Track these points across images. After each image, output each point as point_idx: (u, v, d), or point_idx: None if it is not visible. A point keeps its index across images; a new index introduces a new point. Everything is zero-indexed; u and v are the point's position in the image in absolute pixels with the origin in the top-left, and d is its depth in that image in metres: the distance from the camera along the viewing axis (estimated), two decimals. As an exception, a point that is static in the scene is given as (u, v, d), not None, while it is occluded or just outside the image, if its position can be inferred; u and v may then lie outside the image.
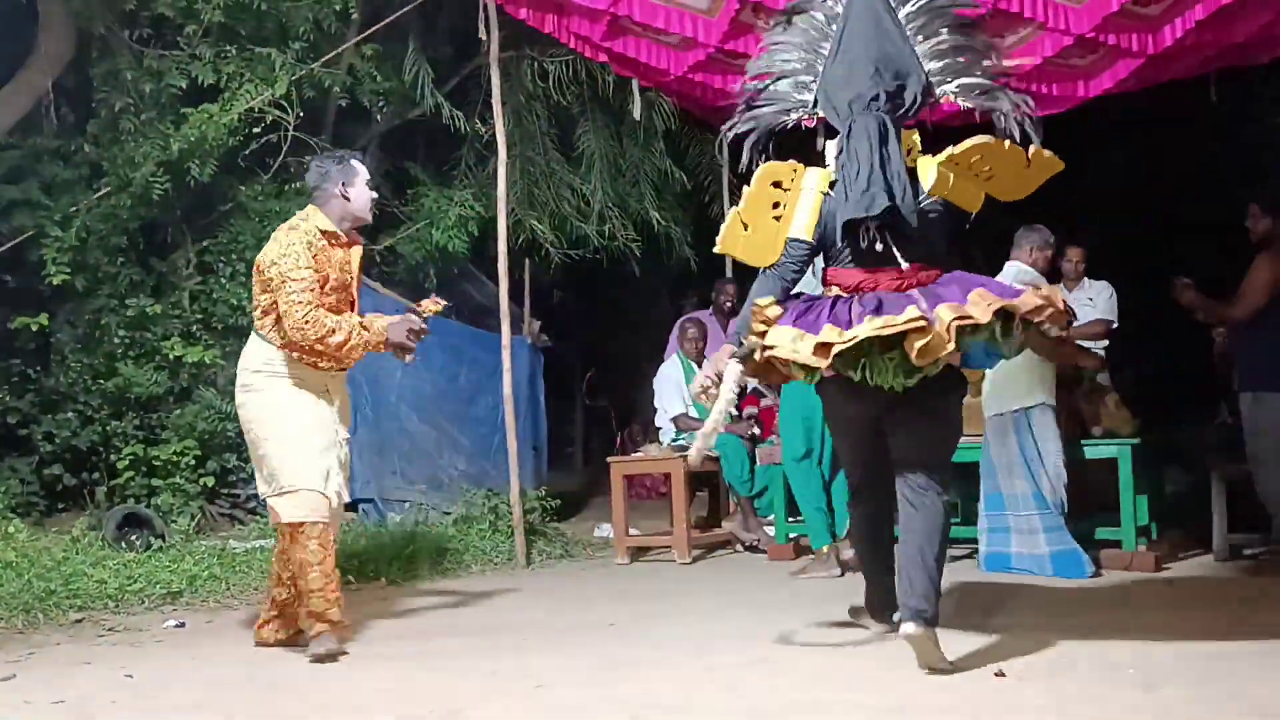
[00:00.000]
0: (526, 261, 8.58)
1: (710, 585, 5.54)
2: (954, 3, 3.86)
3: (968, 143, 3.50)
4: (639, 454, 7.11)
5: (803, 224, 3.65)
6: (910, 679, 3.36)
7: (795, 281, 3.66)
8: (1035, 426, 5.27)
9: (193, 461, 7.41)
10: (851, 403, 3.64)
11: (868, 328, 3.25)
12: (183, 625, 4.84)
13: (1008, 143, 3.56)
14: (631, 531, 6.86)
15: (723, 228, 3.79)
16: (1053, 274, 6.99)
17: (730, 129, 4.04)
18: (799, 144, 4.16)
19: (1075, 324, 4.04)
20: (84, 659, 4.16)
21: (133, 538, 6.64)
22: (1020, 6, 5.85)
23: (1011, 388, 5.29)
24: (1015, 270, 5.37)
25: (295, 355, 4.11)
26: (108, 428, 7.38)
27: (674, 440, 6.97)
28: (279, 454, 4.05)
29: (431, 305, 4.42)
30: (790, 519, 6.54)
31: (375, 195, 4.38)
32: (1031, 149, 3.57)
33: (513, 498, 6.52)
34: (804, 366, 3.37)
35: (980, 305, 3.27)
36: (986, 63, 3.87)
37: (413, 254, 8.42)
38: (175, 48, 7.62)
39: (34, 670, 3.99)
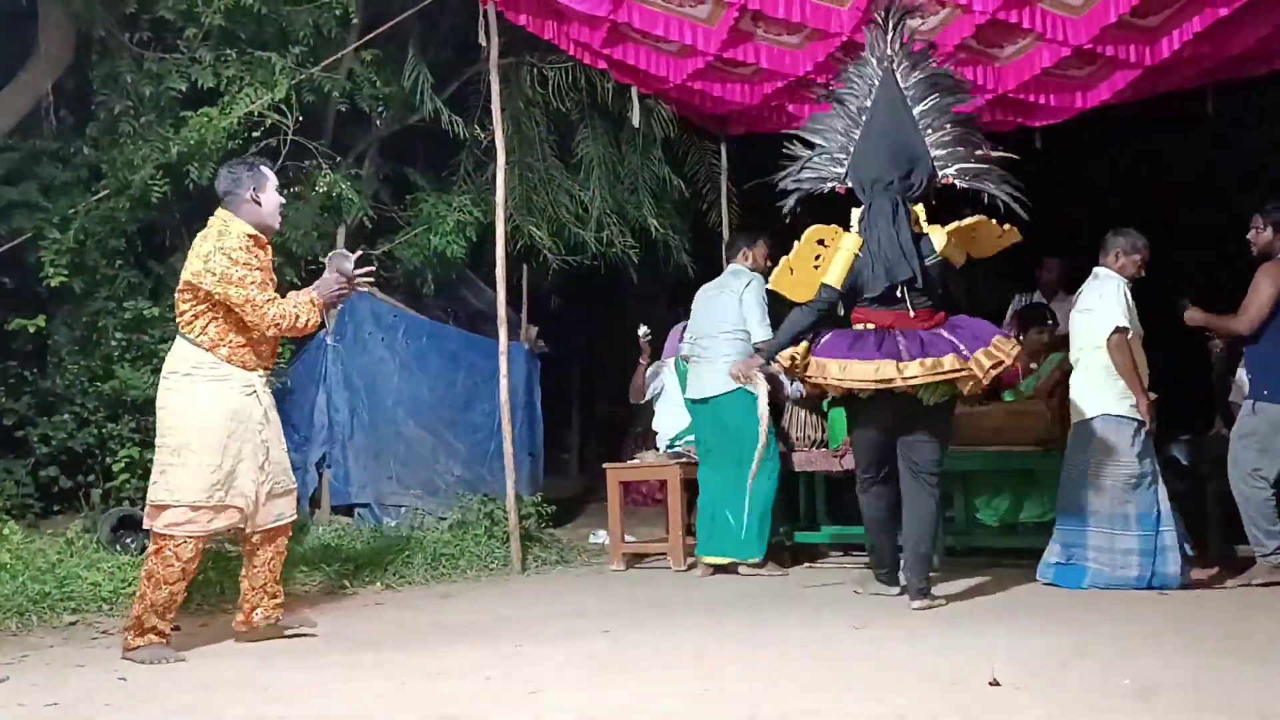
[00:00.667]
0: (524, 267, 8.59)
1: (706, 592, 5.54)
2: (956, 102, 5.01)
3: (968, 220, 4.77)
4: (635, 460, 7.11)
5: (836, 275, 4.84)
6: (907, 688, 3.36)
7: (823, 315, 4.87)
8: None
9: (189, 465, 7.39)
10: (882, 414, 4.79)
11: (930, 370, 4.52)
12: (177, 629, 4.83)
13: (993, 220, 4.78)
14: (627, 538, 6.86)
15: (775, 270, 5.06)
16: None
17: (779, 187, 5.31)
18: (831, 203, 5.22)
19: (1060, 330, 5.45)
20: (77, 661, 4.15)
21: (128, 540, 6.62)
22: (1019, 17, 5.89)
23: (1094, 396, 5.24)
24: (1105, 282, 5.29)
25: (225, 355, 4.20)
26: (104, 430, 7.36)
27: (669, 447, 6.98)
28: (176, 464, 4.15)
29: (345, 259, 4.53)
30: (787, 526, 6.55)
31: (283, 201, 4.49)
32: (1006, 227, 4.77)
33: (508, 503, 6.52)
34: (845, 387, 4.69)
35: (1005, 349, 4.58)
36: (979, 151, 4.95)
37: (411, 259, 8.42)
38: (175, 51, 7.62)
39: (27, 673, 3.98)
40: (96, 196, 7.46)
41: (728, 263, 6.46)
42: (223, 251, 4.16)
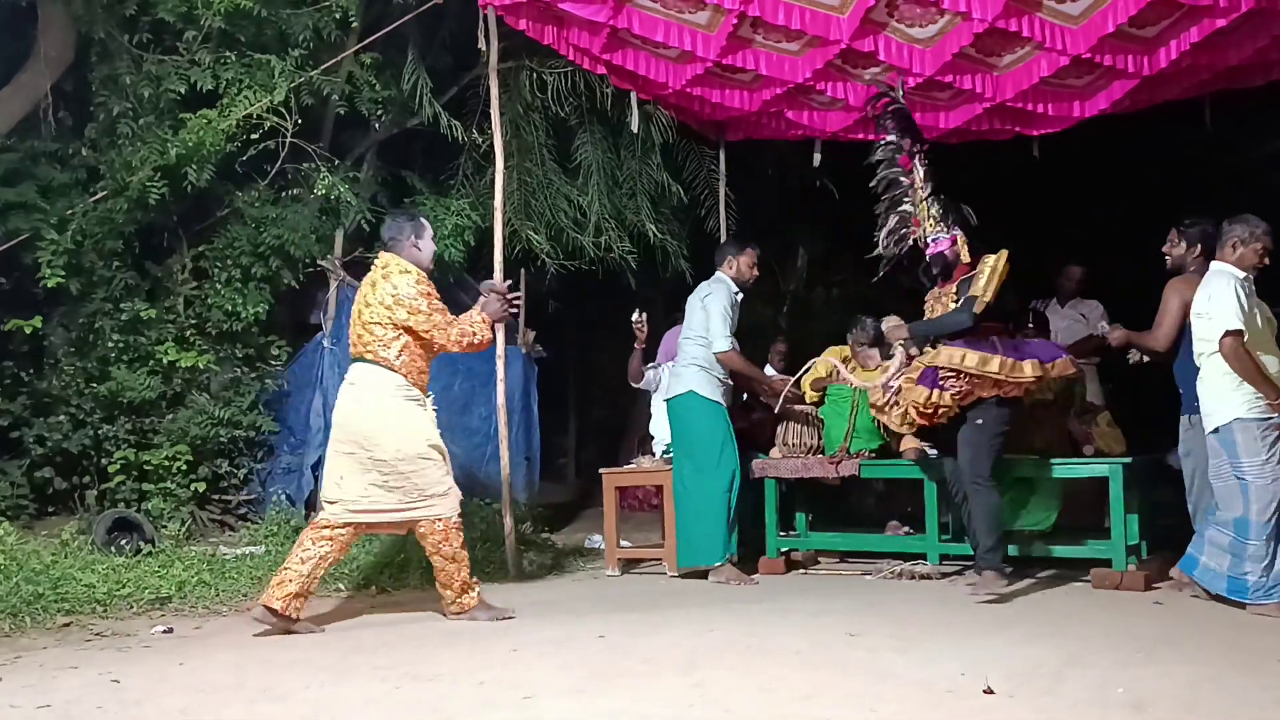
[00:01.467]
0: (522, 272, 8.59)
1: (701, 598, 5.54)
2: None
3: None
4: (631, 465, 7.10)
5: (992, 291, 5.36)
6: (900, 697, 3.36)
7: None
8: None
9: (184, 466, 7.41)
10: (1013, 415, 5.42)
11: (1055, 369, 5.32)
12: (170, 631, 4.83)
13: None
14: (622, 543, 6.86)
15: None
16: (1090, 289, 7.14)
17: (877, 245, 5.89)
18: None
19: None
20: (71, 663, 4.15)
21: (122, 542, 6.63)
22: (1019, 26, 5.90)
23: (1223, 402, 4.94)
24: (1215, 280, 4.99)
25: (412, 380, 4.91)
26: (99, 431, 7.36)
27: (666, 452, 6.97)
28: (427, 469, 4.91)
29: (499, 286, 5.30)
30: (782, 533, 6.54)
31: (434, 249, 5.23)
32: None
33: (504, 507, 6.52)
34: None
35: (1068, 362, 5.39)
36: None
37: (409, 262, 8.41)
38: (175, 53, 7.63)
39: (20, 674, 3.97)
40: (94, 198, 7.46)
41: (716, 269, 6.45)
42: (409, 287, 4.84)
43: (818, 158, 7.91)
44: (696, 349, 6.15)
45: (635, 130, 7.68)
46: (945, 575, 5.95)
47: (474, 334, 4.99)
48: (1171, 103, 6.92)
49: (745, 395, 7.52)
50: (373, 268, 4.99)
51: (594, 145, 8.87)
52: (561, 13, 6.33)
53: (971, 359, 5.18)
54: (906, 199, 5.69)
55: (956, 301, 5.39)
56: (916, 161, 5.64)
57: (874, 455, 6.32)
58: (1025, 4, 5.77)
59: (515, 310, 5.32)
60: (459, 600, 4.97)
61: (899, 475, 6.51)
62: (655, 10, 6.27)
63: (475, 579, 5.05)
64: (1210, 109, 6.97)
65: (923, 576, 5.94)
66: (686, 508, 6.11)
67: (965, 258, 5.42)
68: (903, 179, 5.71)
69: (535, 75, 8.46)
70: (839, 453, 6.31)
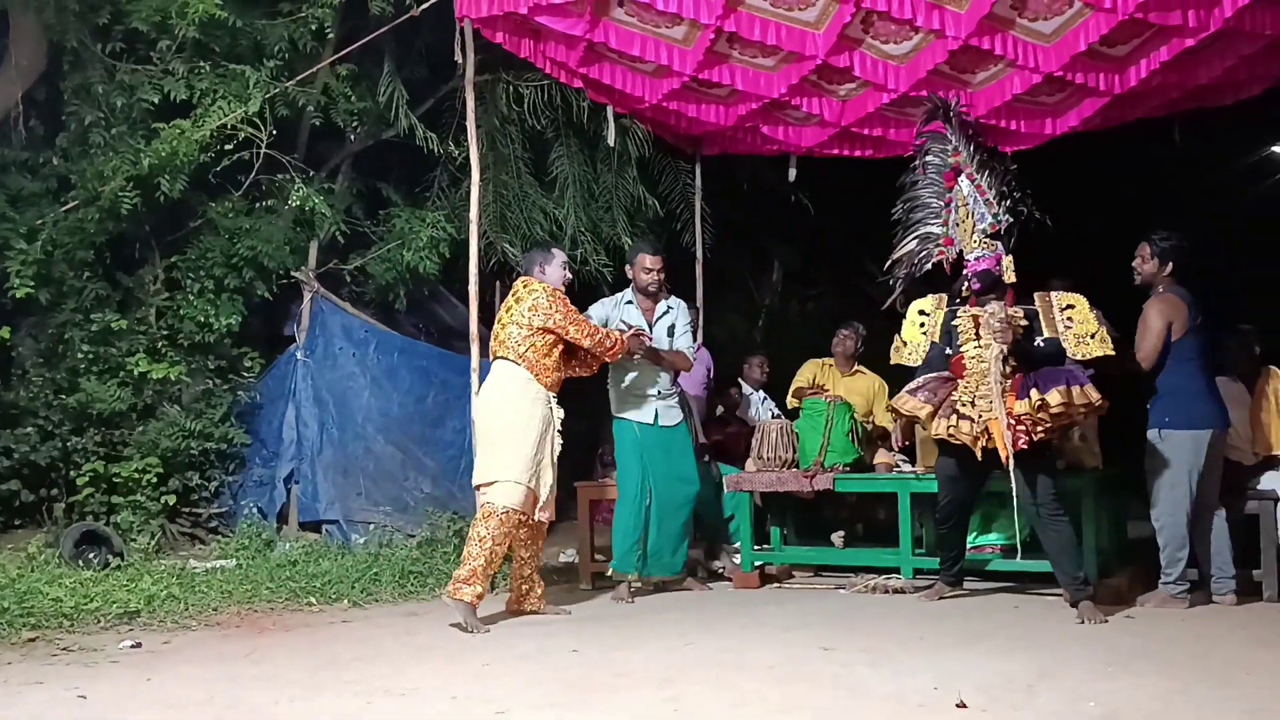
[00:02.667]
0: (498, 284, 8.57)
1: (675, 612, 5.52)
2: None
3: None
4: (605, 479, 7.08)
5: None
6: (872, 710, 3.36)
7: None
8: None
9: (154, 479, 7.33)
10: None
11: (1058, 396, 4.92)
12: (139, 645, 4.77)
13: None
14: (596, 557, 6.83)
15: (892, 349, 5.62)
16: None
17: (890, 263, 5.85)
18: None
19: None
20: (36, 678, 4.09)
21: (90, 556, 6.56)
22: (992, 44, 5.96)
23: None
24: None
25: (536, 375, 5.33)
26: (68, 444, 7.28)
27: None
28: (497, 449, 5.21)
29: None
30: (756, 547, 6.54)
31: (569, 276, 5.64)
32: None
33: (478, 521, 6.48)
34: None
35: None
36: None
37: (383, 274, 8.40)
38: (148, 63, 7.59)
39: (-16, 690, 3.91)
40: (65, 207, 7.40)
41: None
42: (548, 298, 5.36)
43: (793, 173, 7.95)
44: (612, 372, 6.08)
45: (611, 144, 7.70)
46: (918, 589, 5.96)
47: (608, 345, 5.53)
48: (1142, 120, 7.01)
49: (720, 409, 7.53)
50: (513, 289, 5.50)
51: (570, 158, 8.88)
52: (538, 26, 6.34)
53: (1094, 392, 4.94)
54: (933, 220, 5.64)
55: (1025, 323, 5.17)
56: (965, 177, 5.53)
57: (848, 469, 6.33)
58: (998, 22, 5.83)
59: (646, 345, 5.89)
60: (457, 585, 5.06)
61: (874, 490, 6.53)
62: (632, 25, 6.29)
63: (486, 587, 5.18)
64: (1180, 127, 7.06)
65: (896, 590, 5.95)
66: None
67: (1011, 278, 5.27)
68: (932, 200, 5.65)
69: (512, 88, 8.47)
70: (813, 466, 6.32)
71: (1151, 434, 5.37)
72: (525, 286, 5.44)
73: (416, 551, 7.00)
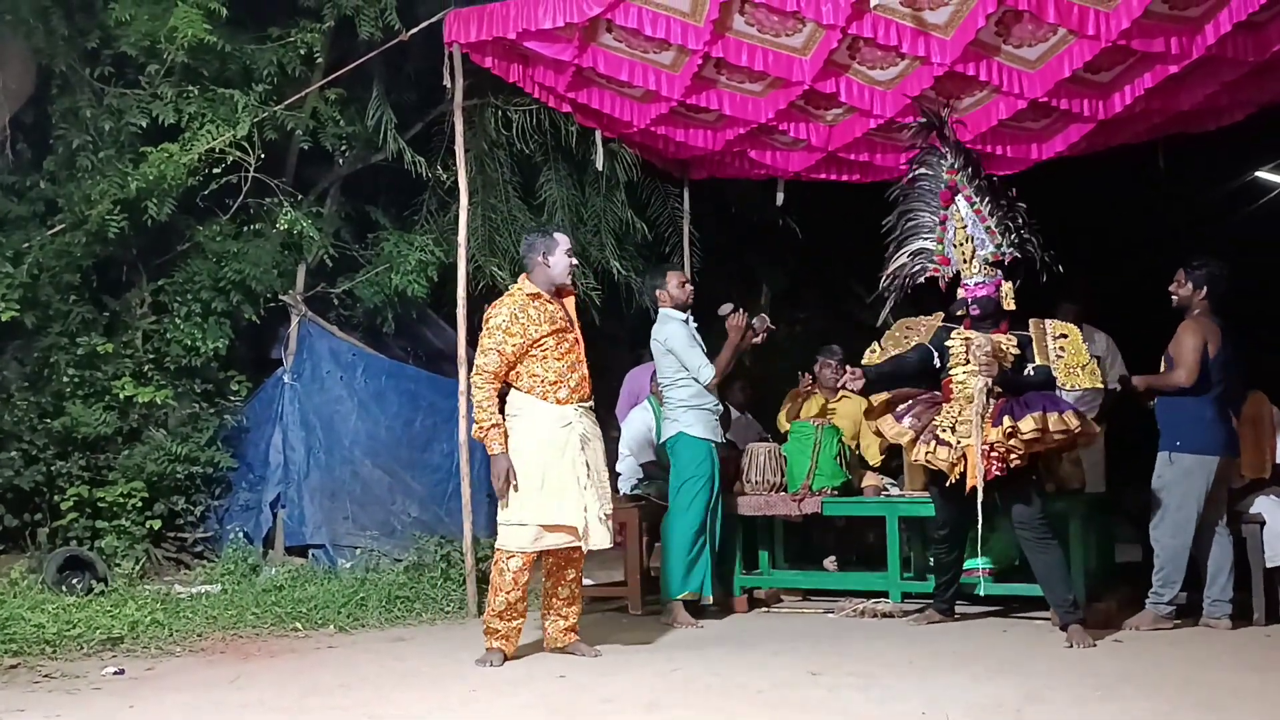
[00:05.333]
0: (486, 308, 8.56)
1: (663, 636, 5.50)
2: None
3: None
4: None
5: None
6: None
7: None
8: None
9: (139, 504, 7.28)
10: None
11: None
12: (122, 672, 4.72)
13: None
14: (585, 581, 6.80)
15: (866, 351, 5.57)
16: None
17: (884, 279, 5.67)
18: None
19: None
20: (18, 706, 4.05)
21: (74, 581, 6.50)
22: (977, 70, 6.01)
23: None
24: None
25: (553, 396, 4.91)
26: (52, 468, 7.23)
27: (633, 489, 6.95)
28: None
29: None
30: (745, 571, 6.53)
31: (574, 263, 5.25)
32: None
33: (465, 545, 6.46)
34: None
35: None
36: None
37: (371, 298, 8.39)
38: (137, 87, 7.59)
39: (-36, 717, 3.87)
40: (52, 231, 7.38)
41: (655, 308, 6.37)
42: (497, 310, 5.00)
43: (780, 197, 7.99)
44: (680, 391, 6.07)
45: (600, 168, 7.73)
46: (907, 613, 5.95)
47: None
48: (1127, 146, 7.06)
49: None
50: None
51: (559, 182, 8.90)
52: (527, 51, 6.38)
53: (1074, 419, 4.96)
54: (927, 236, 5.49)
55: (1017, 351, 5.15)
56: (963, 198, 5.35)
57: (836, 493, 6.33)
58: (984, 48, 5.88)
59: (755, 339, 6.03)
60: (485, 636, 4.88)
61: (862, 513, 6.52)
62: (620, 50, 6.33)
63: (509, 628, 4.85)
64: (1164, 153, 7.12)
65: (885, 614, 5.94)
66: (664, 543, 6.09)
67: (1010, 305, 5.20)
68: (926, 216, 5.49)
69: (500, 112, 8.49)
70: (801, 490, 6.31)
71: (1162, 456, 5.40)
72: (507, 302, 5.05)
73: (403, 576, 6.97)
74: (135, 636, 5.39)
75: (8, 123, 7.56)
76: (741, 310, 6.07)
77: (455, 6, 6.63)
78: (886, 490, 6.51)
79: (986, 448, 4.93)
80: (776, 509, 6.39)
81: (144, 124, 7.46)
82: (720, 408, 6.19)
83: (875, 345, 5.56)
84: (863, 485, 6.59)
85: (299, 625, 5.86)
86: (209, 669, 4.75)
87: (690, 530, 5.93)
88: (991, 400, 5.03)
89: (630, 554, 6.45)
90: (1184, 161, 7.48)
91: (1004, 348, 5.12)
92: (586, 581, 6.82)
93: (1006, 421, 4.89)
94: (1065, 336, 5.22)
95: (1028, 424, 4.86)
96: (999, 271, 5.22)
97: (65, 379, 7.31)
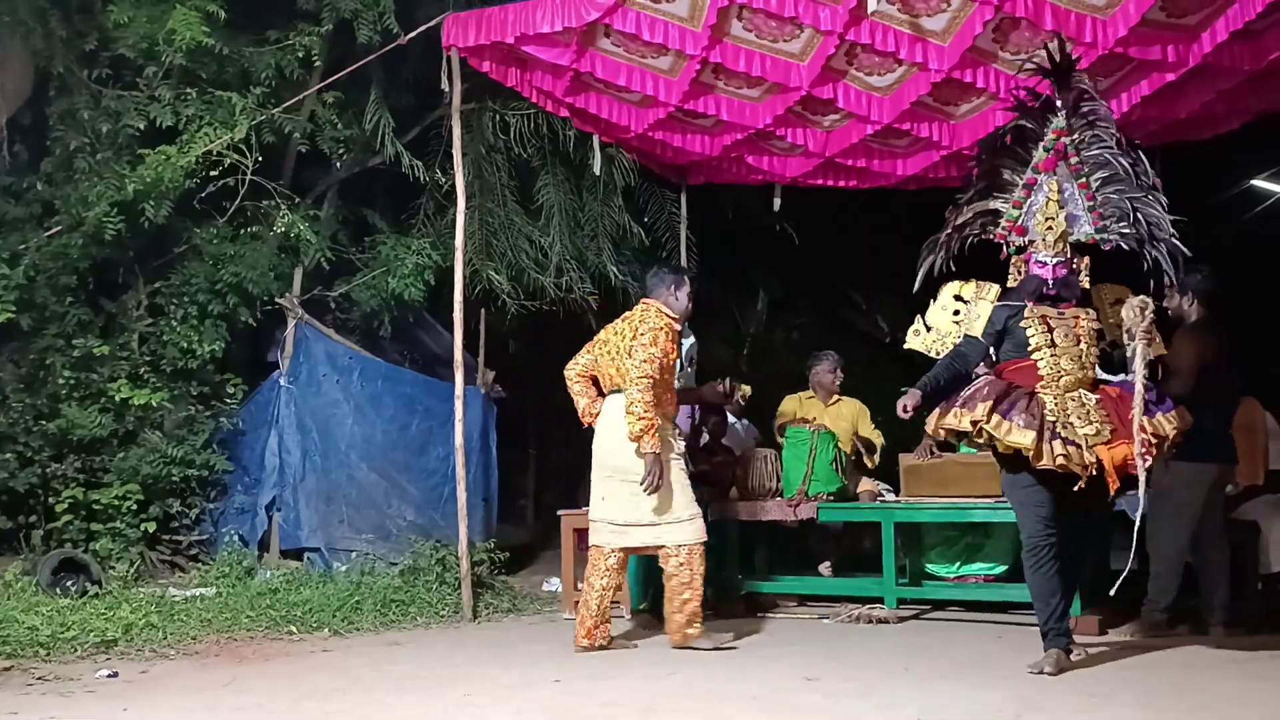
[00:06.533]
0: (482, 311, 8.57)
1: (659, 642, 5.49)
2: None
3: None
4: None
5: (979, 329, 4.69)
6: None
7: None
8: None
9: (134, 506, 7.27)
10: None
11: None
12: (115, 675, 4.71)
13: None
14: (580, 586, 6.80)
15: (909, 331, 4.94)
16: None
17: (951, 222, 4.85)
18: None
19: None
20: (10, 709, 4.03)
21: (68, 583, 6.49)
22: (974, 77, 6.02)
23: None
24: None
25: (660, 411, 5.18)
26: (47, 470, 7.21)
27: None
28: (667, 493, 5.15)
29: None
30: (741, 576, 6.52)
31: (690, 308, 5.48)
32: None
33: (461, 549, 6.45)
34: None
35: None
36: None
37: (368, 301, 8.38)
38: (135, 89, 7.58)
39: (-43, 720, 3.86)
40: (49, 233, 7.37)
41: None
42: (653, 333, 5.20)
43: (777, 202, 8.00)
44: None
45: (597, 172, 7.73)
46: (902, 619, 5.95)
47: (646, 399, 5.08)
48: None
49: (707, 438, 7.52)
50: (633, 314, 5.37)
51: (556, 187, 8.90)
52: (525, 55, 6.38)
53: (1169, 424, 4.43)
54: (1000, 197, 4.79)
55: (1098, 326, 4.57)
56: (1070, 167, 4.68)
57: (832, 498, 6.33)
58: (981, 55, 5.89)
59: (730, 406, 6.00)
60: (684, 630, 5.10)
61: (857, 519, 6.52)
62: (618, 55, 6.33)
63: (704, 611, 5.20)
64: (1160, 160, 7.12)
65: (880, 620, 5.93)
66: None
67: (1086, 283, 4.67)
68: (1009, 174, 4.77)
69: (498, 116, 8.50)
70: (797, 496, 6.31)
71: (1158, 464, 5.41)
72: (644, 311, 5.29)
73: (399, 580, 6.96)
74: (129, 639, 5.37)
75: (5, 124, 7.55)
76: (731, 388, 5.95)
77: (453, 10, 6.64)
78: (882, 495, 6.51)
79: (1150, 440, 4.31)
80: (772, 515, 6.39)
81: (141, 126, 7.45)
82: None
83: (919, 322, 4.92)
84: (859, 490, 6.60)
85: (294, 629, 5.85)
86: (203, 672, 4.74)
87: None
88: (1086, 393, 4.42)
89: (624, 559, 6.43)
90: (1180, 169, 7.48)
91: (1087, 325, 4.53)
92: (582, 586, 6.84)
93: (1158, 418, 4.39)
94: (1120, 302, 4.59)
95: (1170, 423, 4.40)
96: (1074, 248, 4.64)
97: (61, 381, 7.30)
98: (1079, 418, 4.34)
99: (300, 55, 7.68)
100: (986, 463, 6.04)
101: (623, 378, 5.20)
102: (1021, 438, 4.30)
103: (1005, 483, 4.59)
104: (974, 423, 4.34)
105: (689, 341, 6.23)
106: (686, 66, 6.30)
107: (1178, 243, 4.54)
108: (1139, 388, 4.28)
